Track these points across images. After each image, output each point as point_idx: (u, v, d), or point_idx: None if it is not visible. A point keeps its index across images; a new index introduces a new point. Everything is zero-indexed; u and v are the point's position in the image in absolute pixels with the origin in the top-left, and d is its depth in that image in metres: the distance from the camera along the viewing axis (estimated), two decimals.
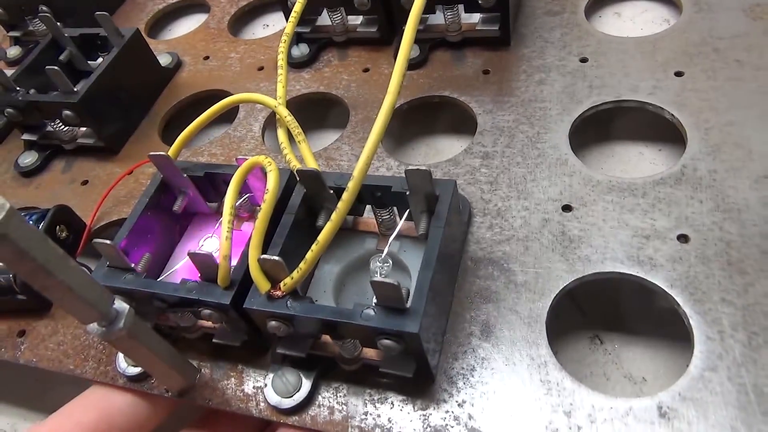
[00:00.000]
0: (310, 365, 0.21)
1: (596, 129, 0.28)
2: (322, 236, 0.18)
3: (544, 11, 0.32)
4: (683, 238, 0.22)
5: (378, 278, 0.17)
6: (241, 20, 0.40)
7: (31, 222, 0.24)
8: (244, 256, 0.20)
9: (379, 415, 0.20)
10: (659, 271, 0.21)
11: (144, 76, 0.34)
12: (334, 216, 0.18)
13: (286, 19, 0.32)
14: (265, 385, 0.21)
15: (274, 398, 0.21)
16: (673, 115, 0.26)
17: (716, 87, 0.26)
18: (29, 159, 0.32)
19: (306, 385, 0.21)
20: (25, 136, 0.32)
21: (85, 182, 0.31)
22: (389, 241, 0.21)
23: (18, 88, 0.30)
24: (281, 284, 0.19)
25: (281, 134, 0.23)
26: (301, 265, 0.18)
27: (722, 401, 0.18)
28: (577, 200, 0.24)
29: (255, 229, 0.19)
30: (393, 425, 0.20)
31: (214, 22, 0.38)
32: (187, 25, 0.41)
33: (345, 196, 0.18)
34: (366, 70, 0.32)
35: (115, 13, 0.42)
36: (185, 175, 0.23)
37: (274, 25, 0.39)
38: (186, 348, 0.23)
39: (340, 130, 0.30)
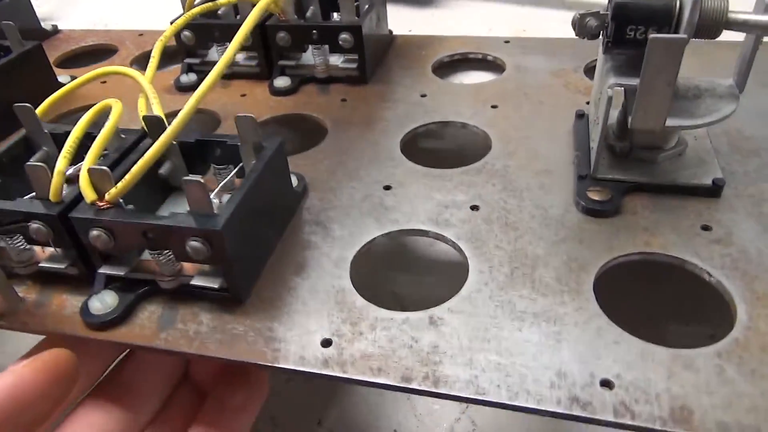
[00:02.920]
0: (131, 289, 0.22)
1: (428, 147, 0.33)
2: (149, 152, 0.21)
3: (399, 66, 0.38)
4: (475, 208, 0.26)
5: (188, 177, 0.20)
6: (143, 64, 0.44)
7: None
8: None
9: (187, 330, 0.21)
10: (451, 228, 0.25)
11: (39, 86, 0.36)
12: (162, 136, 0.21)
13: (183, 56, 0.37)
14: (83, 306, 0.22)
15: (88, 317, 0.22)
16: (485, 131, 0.31)
17: (521, 116, 0.32)
18: None
19: (121, 304, 0.22)
20: None
21: None
22: (219, 185, 0.24)
23: None
24: (106, 195, 0.21)
25: (141, 101, 0.27)
26: (126, 176, 0.21)
27: (482, 312, 0.21)
28: (396, 183, 0.28)
29: (91, 148, 0.22)
30: (197, 336, 0.21)
31: (119, 60, 0.43)
32: (97, 61, 0.45)
33: (168, 129, 0.22)
34: (243, 95, 0.36)
35: None
36: (46, 131, 0.26)
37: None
38: (16, 283, 0.24)
39: None
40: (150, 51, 0.44)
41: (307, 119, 0.34)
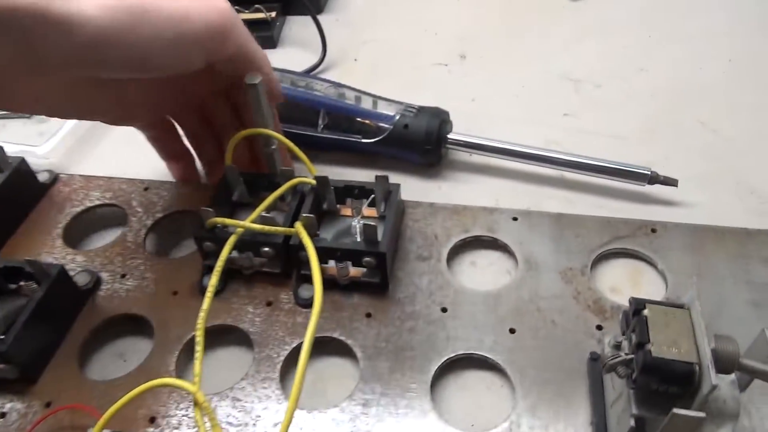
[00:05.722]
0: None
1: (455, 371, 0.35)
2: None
3: (415, 255, 0.40)
4: None
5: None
6: (156, 232, 0.44)
7: None
8: None
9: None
10: None
11: (65, 304, 0.37)
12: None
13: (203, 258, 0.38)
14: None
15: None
16: (505, 371, 0.34)
17: (537, 346, 0.34)
18: None
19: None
20: None
21: (2, 415, 0.33)
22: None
23: None
24: None
25: (197, 413, 0.28)
26: None
27: None
28: None
29: None
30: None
31: (132, 236, 0.43)
32: (104, 229, 0.45)
33: None
34: (269, 304, 0.38)
35: (34, 209, 0.45)
36: None
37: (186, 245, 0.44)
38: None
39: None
40: (159, 217, 0.44)
41: (338, 343, 0.36)
